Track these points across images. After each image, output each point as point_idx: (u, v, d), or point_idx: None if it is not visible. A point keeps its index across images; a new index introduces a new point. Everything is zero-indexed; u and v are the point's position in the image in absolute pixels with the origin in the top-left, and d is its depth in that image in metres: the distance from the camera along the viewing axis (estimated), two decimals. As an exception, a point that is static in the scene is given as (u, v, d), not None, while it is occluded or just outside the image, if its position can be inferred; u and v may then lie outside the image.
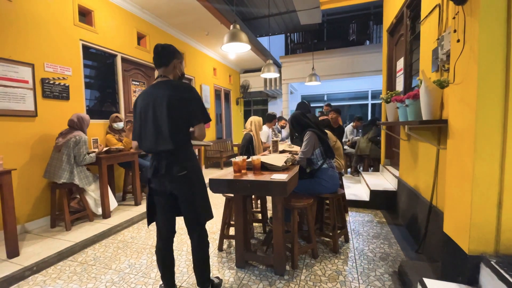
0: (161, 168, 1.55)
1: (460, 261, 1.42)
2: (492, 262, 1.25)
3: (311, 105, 11.81)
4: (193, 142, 1.65)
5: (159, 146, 1.53)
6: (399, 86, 3.20)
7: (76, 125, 2.94)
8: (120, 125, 3.66)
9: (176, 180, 1.56)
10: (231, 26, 2.88)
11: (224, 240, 2.50)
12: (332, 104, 6.15)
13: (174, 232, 1.72)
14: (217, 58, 7.31)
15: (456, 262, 1.46)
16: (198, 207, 1.62)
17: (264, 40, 8.74)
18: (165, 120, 1.50)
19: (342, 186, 3.21)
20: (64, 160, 2.78)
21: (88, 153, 2.93)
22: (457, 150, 1.49)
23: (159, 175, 1.57)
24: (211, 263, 2.19)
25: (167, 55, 1.63)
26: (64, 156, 2.78)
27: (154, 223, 1.71)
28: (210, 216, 1.68)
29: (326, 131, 3.02)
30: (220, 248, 2.42)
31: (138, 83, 4.52)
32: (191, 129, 1.61)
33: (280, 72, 8.50)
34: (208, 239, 1.72)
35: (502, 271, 1.17)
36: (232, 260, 2.24)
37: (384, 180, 3.95)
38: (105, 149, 3.24)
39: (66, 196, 2.84)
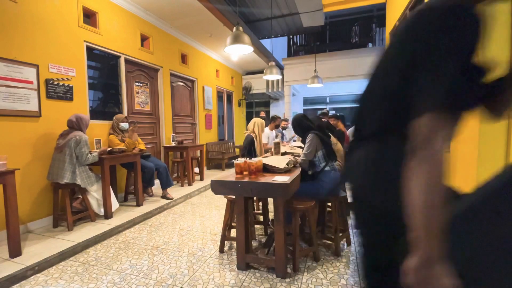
0: None
1: (463, 265, 1.40)
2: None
3: (313, 107, 11.85)
4: None
5: None
6: (402, 88, 3.19)
7: (75, 125, 2.94)
8: (126, 125, 3.69)
9: None
10: (234, 28, 2.89)
11: (225, 242, 2.49)
12: (334, 106, 6.15)
13: None
14: (220, 60, 7.33)
15: (459, 267, 1.45)
16: None
17: (266, 42, 8.76)
18: None
19: (344, 189, 3.19)
20: (67, 160, 2.79)
21: (90, 153, 2.95)
22: (460, 154, 1.48)
23: None
24: (211, 265, 2.19)
25: None
26: (66, 157, 2.79)
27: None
28: None
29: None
30: (221, 250, 2.41)
31: (141, 84, 4.54)
32: None
33: (282, 74, 8.52)
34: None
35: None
36: (233, 262, 2.24)
37: (386, 183, 3.92)
38: (108, 149, 3.26)
39: (69, 196, 2.85)
